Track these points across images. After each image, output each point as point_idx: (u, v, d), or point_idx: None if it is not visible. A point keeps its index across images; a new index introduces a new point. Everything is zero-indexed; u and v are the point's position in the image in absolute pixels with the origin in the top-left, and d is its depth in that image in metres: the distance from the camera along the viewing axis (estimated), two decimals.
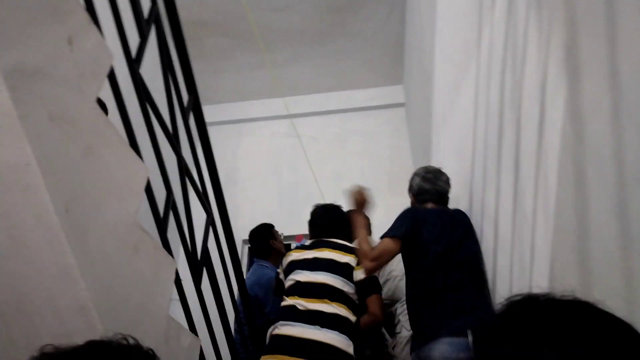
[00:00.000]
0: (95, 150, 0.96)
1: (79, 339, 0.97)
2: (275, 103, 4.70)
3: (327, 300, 1.97)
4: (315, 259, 2.14)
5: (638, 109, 0.81)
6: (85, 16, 0.96)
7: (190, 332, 1.38)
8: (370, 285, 2.05)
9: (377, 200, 3.80)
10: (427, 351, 1.67)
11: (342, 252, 2.16)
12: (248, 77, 4.55)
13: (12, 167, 0.79)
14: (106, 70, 1.02)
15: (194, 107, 1.68)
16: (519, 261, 1.46)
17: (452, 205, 2.15)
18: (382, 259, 1.89)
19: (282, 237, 3.01)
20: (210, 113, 4.95)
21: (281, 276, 2.29)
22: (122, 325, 1.02)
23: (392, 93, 4.63)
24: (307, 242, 2.37)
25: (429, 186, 2.12)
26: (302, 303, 1.99)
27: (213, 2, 3.81)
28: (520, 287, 1.41)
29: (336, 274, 2.07)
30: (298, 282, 2.08)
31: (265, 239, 2.84)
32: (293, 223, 3.59)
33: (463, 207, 2.20)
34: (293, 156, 4.45)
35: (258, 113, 4.74)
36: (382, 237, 1.92)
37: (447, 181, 2.16)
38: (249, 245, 3.73)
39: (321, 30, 4.09)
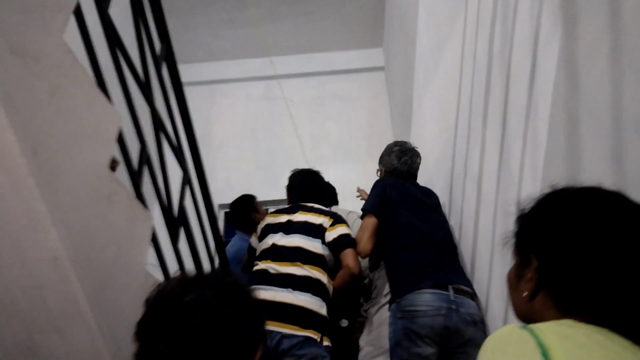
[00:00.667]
0: (62, 89, 0.88)
1: (51, 292, 0.92)
2: (250, 64, 4.56)
3: (299, 263, 1.94)
4: (289, 222, 2.11)
5: (639, 52, 0.79)
6: None
7: None
8: (342, 241, 2.03)
9: (355, 165, 3.80)
10: (411, 300, 1.71)
11: (317, 214, 2.14)
12: (223, 35, 4.37)
13: None
14: (72, 3, 0.93)
15: (167, 56, 1.58)
16: (503, 220, 1.46)
17: (434, 166, 2.16)
18: (365, 235, 2.02)
19: (264, 210, 2.94)
20: (182, 73, 4.78)
21: (254, 244, 2.25)
22: (97, 278, 0.97)
23: (372, 56, 4.55)
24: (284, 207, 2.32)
25: (404, 168, 2.24)
26: (274, 267, 1.95)
27: None
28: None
29: (310, 235, 2.04)
30: (272, 246, 2.04)
31: (246, 211, 2.79)
32: (270, 188, 3.54)
33: (445, 169, 2.20)
34: (270, 119, 4.35)
35: (233, 74, 4.59)
36: (362, 210, 2.08)
37: (419, 161, 2.28)
38: (227, 211, 3.68)
39: None
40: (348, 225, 2.14)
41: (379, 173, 2.40)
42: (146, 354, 0.78)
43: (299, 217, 2.14)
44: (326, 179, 2.61)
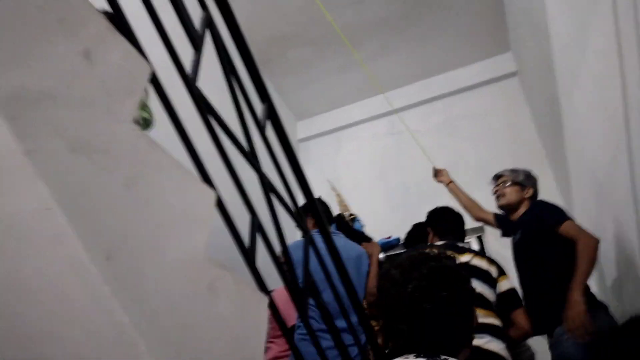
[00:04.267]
0: (139, 179, 0.79)
1: None
2: (370, 103, 4.45)
3: (481, 309, 1.96)
4: (466, 265, 2.12)
5: None
6: (103, 24, 0.81)
7: None
8: (515, 298, 2.11)
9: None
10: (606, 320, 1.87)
11: (482, 259, 2.17)
12: (338, 82, 4.37)
13: (30, 216, 0.65)
14: (142, 85, 0.86)
15: (270, 115, 1.49)
16: None
17: (604, 175, 1.76)
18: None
19: None
20: (306, 128, 4.88)
21: None
22: None
23: (500, 63, 4.10)
24: (437, 243, 2.35)
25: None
26: None
27: (288, 13, 3.70)
28: None
29: (486, 283, 2.08)
30: None
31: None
32: (407, 227, 3.25)
33: (621, 177, 1.72)
34: (398, 155, 4.14)
35: (355, 117, 4.53)
36: (564, 221, 2.01)
37: None
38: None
39: (405, 13, 3.75)
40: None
41: (525, 191, 2.34)
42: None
43: (470, 259, 2.14)
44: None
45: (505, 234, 2.51)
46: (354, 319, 1.75)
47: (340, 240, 2.29)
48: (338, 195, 2.41)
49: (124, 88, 0.81)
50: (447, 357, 0.94)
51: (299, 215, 1.53)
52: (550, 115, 3.01)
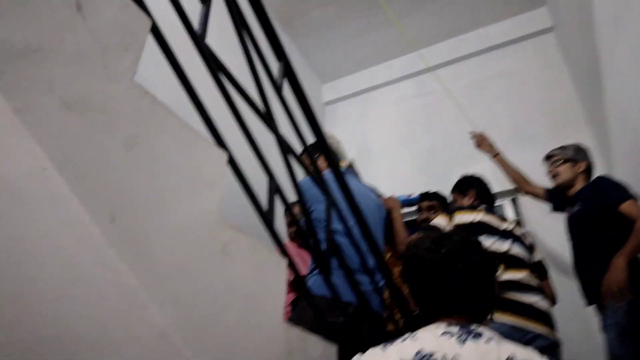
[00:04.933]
0: (141, 139, 0.76)
1: None
2: (397, 63, 4.29)
3: (524, 270, 2.14)
4: (505, 231, 2.25)
5: None
6: None
7: (320, 339, 1.14)
8: (545, 268, 2.29)
9: (537, 148, 3.19)
10: None
11: (521, 227, 2.39)
12: (364, 42, 4.21)
13: (26, 178, 0.62)
14: (141, 39, 0.81)
15: (287, 73, 1.43)
16: None
17: None
18: None
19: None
20: (331, 90, 4.77)
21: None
22: (220, 347, 0.82)
23: (535, 18, 3.85)
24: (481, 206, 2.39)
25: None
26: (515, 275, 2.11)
27: None
28: None
29: (525, 249, 2.25)
30: (505, 252, 2.17)
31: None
32: (437, 188, 3.15)
33: None
34: (426, 117, 3.99)
35: (382, 78, 4.38)
36: (627, 200, 2.03)
37: None
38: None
39: None
40: None
41: (577, 166, 2.37)
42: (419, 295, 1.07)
43: (511, 227, 2.29)
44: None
45: (556, 208, 2.51)
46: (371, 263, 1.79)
47: (357, 183, 2.25)
48: (337, 143, 2.37)
49: (121, 43, 0.76)
50: (477, 326, 0.98)
51: (318, 175, 1.49)
52: (589, 73, 2.82)
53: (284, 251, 1.13)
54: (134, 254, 0.69)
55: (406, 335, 0.99)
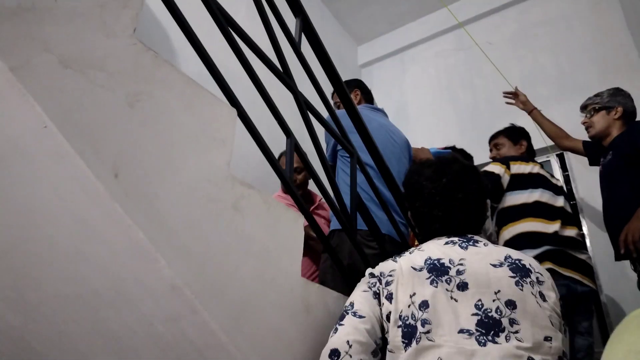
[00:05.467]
0: (145, 96, 0.76)
1: (187, 324, 0.83)
2: (434, 18, 4.10)
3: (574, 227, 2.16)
4: (557, 187, 2.24)
5: None
6: None
7: (336, 292, 1.14)
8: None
9: (587, 97, 2.98)
10: None
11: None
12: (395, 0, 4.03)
13: (28, 136, 0.64)
14: None
15: (304, 29, 1.39)
16: None
17: None
18: None
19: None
20: (367, 52, 4.64)
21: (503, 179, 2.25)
22: (233, 302, 0.83)
23: None
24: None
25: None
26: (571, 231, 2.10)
27: None
28: None
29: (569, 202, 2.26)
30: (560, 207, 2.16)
31: None
32: (480, 149, 3.04)
33: None
34: (467, 72, 3.81)
35: (418, 35, 4.21)
36: None
37: None
38: None
39: None
40: None
41: (612, 113, 2.18)
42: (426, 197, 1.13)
43: (555, 181, 2.28)
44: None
45: (593, 162, 2.38)
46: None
47: (385, 120, 2.30)
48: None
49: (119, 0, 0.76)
50: (472, 235, 1.09)
51: (342, 133, 1.46)
52: None
53: (304, 209, 1.13)
54: (140, 209, 0.70)
55: (413, 249, 1.09)
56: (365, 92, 2.42)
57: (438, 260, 0.99)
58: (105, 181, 0.66)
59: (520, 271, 0.96)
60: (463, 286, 0.93)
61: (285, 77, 1.26)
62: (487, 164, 2.44)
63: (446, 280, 0.95)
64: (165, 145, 0.77)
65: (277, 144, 1.20)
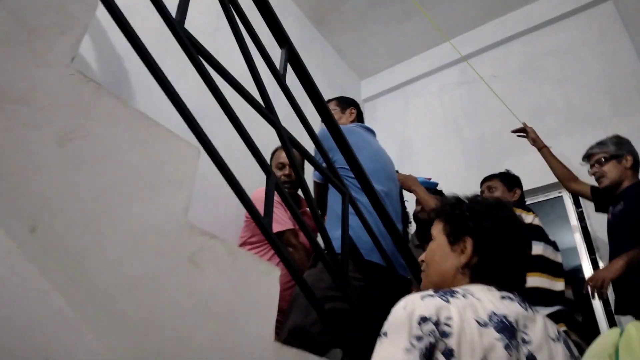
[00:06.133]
0: (80, 133, 0.65)
1: None
2: (435, 53, 4.05)
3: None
4: (554, 242, 2.13)
5: None
6: None
7: (313, 355, 0.99)
8: None
9: (596, 130, 2.86)
10: None
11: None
12: (397, 33, 3.99)
13: None
14: (85, 21, 0.71)
15: (290, 59, 1.29)
16: None
17: None
18: None
19: None
20: (370, 86, 4.58)
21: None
22: None
23: None
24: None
25: None
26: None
27: None
28: None
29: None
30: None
31: None
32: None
33: None
34: (472, 105, 3.72)
35: (421, 69, 4.15)
36: None
37: None
38: None
39: None
40: None
41: (623, 162, 2.12)
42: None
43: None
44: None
45: (600, 209, 2.30)
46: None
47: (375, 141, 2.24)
48: None
49: (54, 25, 0.66)
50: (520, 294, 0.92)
51: (333, 172, 1.34)
52: None
53: (284, 257, 1.00)
54: (63, 269, 0.58)
55: (458, 290, 0.85)
56: (360, 112, 2.34)
57: (505, 317, 0.81)
58: (18, 237, 0.55)
59: (571, 351, 0.87)
60: None
61: (268, 112, 1.15)
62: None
63: (515, 347, 0.78)
64: (104, 190, 0.66)
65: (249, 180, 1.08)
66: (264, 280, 0.87)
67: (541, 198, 3.16)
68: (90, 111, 0.67)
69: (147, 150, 0.73)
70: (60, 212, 0.60)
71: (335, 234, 1.32)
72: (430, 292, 0.84)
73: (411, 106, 4.14)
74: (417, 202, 2.49)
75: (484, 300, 0.84)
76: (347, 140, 1.42)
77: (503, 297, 0.87)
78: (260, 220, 0.99)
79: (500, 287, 0.90)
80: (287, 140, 1.17)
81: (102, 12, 0.79)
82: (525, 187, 2.66)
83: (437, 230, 1.05)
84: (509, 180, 2.45)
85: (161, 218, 0.72)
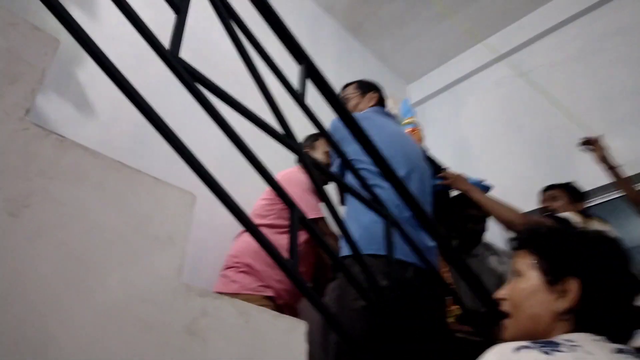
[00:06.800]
0: (37, 197, 0.55)
1: None
2: (482, 48, 3.76)
3: None
4: None
5: None
6: None
7: None
8: None
9: None
10: None
11: None
12: (440, 32, 3.77)
13: None
14: (41, 67, 0.62)
15: (310, 74, 1.17)
16: None
17: None
18: None
19: None
20: (418, 90, 4.36)
21: None
22: None
23: None
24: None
25: None
26: None
27: None
28: None
29: None
30: None
31: None
32: (558, 179, 2.57)
33: None
34: (530, 99, 3.40)
35: (471, 65, 3.88)
36: None
37: None
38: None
39: None
40: None
41: None
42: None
43: None
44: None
45: None
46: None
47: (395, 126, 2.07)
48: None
49: (4, 74, 0.58)
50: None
51: (372, 194, 1.19)
52: None
53: (318, 302, 0.86)
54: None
55: (560, 342, 0.70)
56: (381, 97, 2.18)
57: None
58: None
59: None
60: None
61: (287, 139, 1.03)
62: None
63: None
64: (70, 260, 0.55)
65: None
66: (285, 341, 0.73)
67: (615, 195, 2.79)
68: (51, 169, 0.57)
69: (126, 206, 0.63)
70: (12, 299, 0.50)
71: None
72: (525, 343, 0.67)
73: (464, 105, 3.88)
74: (468, 205, 2.25)
75: (599, 355, 0.67)
76: (364, 130, 1.24)
77: (618, 352, 0.69)
78: (281, 262, 0.86)
79: (612, 339, 0.73)
80: (310, 166, 1.04)
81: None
82: (600, 183, 2.38)
83: (526, 264, 0.86)
84: (575, 193, 2.22)
85: (147, 284, 0.61)
